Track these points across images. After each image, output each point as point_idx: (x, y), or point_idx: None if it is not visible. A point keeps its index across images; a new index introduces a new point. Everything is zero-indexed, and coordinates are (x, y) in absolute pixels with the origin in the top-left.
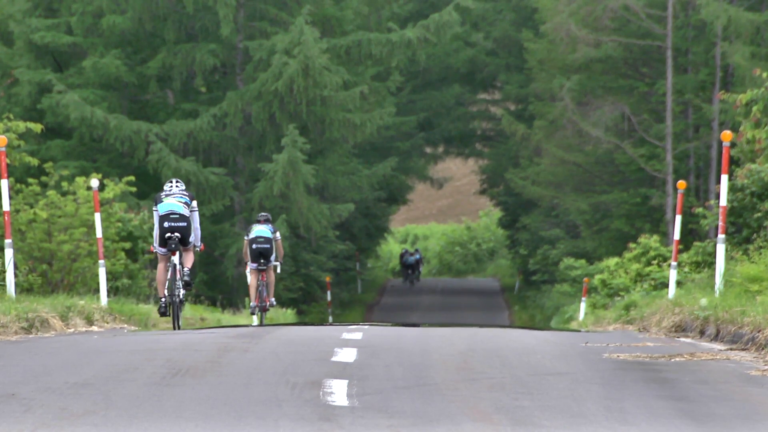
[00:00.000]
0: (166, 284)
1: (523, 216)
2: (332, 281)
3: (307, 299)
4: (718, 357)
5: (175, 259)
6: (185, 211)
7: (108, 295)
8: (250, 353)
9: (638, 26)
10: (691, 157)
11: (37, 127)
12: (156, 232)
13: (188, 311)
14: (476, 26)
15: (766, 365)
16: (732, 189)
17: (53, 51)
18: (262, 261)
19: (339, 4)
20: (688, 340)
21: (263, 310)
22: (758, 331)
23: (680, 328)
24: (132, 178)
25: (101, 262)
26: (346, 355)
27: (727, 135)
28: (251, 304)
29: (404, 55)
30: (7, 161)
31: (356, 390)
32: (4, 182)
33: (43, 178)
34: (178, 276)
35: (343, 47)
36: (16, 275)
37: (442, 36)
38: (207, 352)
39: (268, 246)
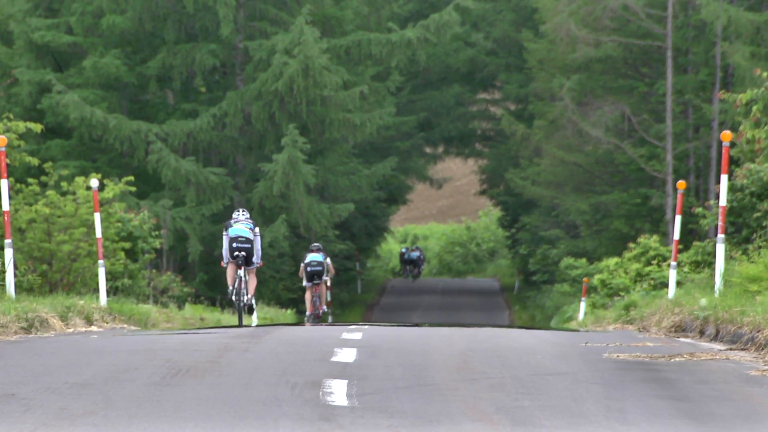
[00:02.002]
0: (233, 290)
1: (523, 216)
2: (332, 281)
3: None
4: (717, 357)
5: (241, 272)
6: (250, 236)
7: (108, 295)
8: (250, 353)
9: (638, 26)
10: (691, 157)
11: (37, 127)
12: (226, 251)
13: (188, 311)
14: (476, 26)
15: (765, 365)
16: (732, 189)
17: (53, 51)
18: (315, 278)
19: (339, 4)
20: (688, 340)
21: (317, 317)
22: (758, 331)
23: (680, 328)
24: (132, 178)
25: (101, 262)
26: (346, 355)
27: (726, 135)
28: (307, 313)
29: (404, 55)
30: (7, 161)
31: (356, 390)
32: (4, 182)
33: (43, 178)
34: (242, 286)
35: (343, 47)
36: (15, 275)
37: (442, 36)
38: (207, 352)
39: (320, 269)
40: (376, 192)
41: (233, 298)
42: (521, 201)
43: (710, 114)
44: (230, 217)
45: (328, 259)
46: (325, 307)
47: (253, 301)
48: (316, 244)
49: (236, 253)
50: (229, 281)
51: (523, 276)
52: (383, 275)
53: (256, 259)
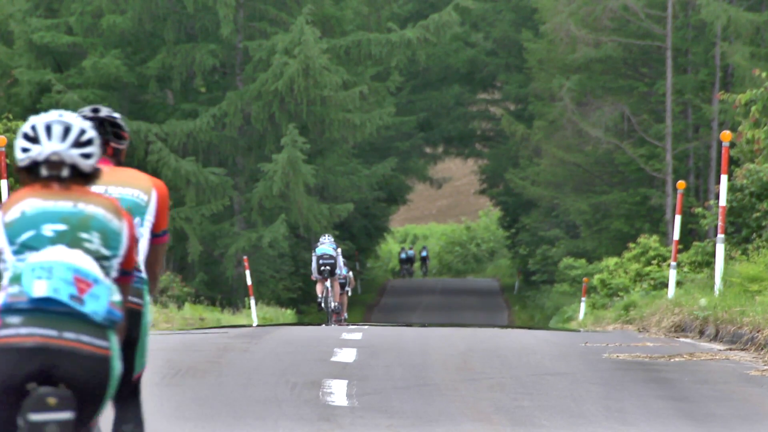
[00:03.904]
0: (322, 297)
1: (522, 216)
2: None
3: (306, 299)
4: (717, 357)
5: (327, 284)
6: (333, 253)
7: None
8: (249, 353)
9: (638, 26)
10: (691, 157)
11: None
12: (314, 268)
13: (188, 311)
14: (476, 26)
15: (765, 365)
16: (731, 189)
17: (53, 51)
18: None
19: (339, 4)
20: (688, 340)
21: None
22: (757, 331)
23: (680, 328)
24: None
25: None
26: (346, 355)
27: (726, 135)
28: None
29: (404, 55)
30: (7, 161)
31: (356, 390)
32: (4, 182)
33: None
34: (329, 295)
35: (343, 47)
36: None
37: (442, 36)
38: (207, 352)
39: (344, 281)
40: (376, 192)
41: (322, 304)
42: (521, 201)
43: (710, 114)
44: (317, 241)
45: (351, 273)
46: (345, 315)
47: (335, 305)
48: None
49: (322, 267)
50: (318, 292)
51: (523, 276)
52: (383, 275)
53: (338, 271)
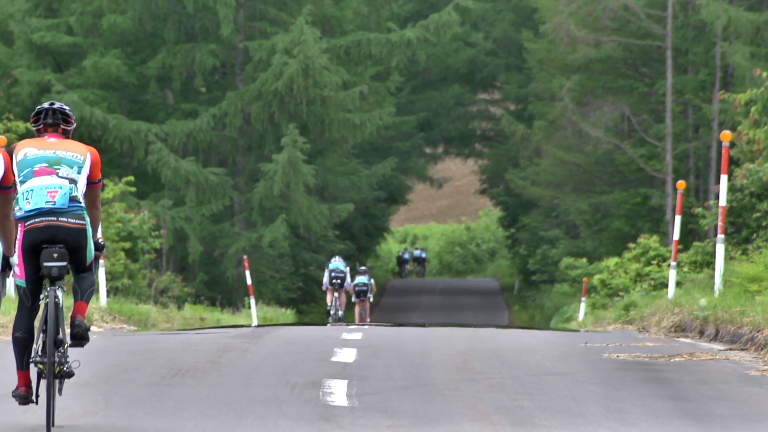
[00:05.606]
0: (332, 305)
1: (522, 216)
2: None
3: (306, 299)
4: (717, 357)
5: (336, 294)
6: (345, 269)
7: (108, 295)
8: (249, 353)
9: (638, 26)
10: (691, 157)
11: None
12: (326, 280)
13: (188, 311)
14: (476, 26)
15: (765, 365)
16: (731, 189)
17: (53, 51)
18: (361, 296)
19: (339, 4)
20: (688, 340)
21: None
22: (757, 331)
23: (680, 328)
24: (131, 178)
25: (101, 262)
26: (346, 355)
27: (726, 135)
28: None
29: (404, 55)
30: None
31: (356, 390)
32: None
33: None
34: (337, 304)
35: (343, 47)
36: None
37: (442, 36)
38: (207, 352)
39: (365, 288)
40: (376, 192)
41: (331, 311)
42: (521, 201)
43: (710, 114)
44: (329, 260)
45: (372, 281)
46: (368, 319)
47: (341, 314)
48: (363, 267)
49: (334, 280)
50: (328, 301)
51: (523, 276)
52: (383, 275)
53: (346, 284)
